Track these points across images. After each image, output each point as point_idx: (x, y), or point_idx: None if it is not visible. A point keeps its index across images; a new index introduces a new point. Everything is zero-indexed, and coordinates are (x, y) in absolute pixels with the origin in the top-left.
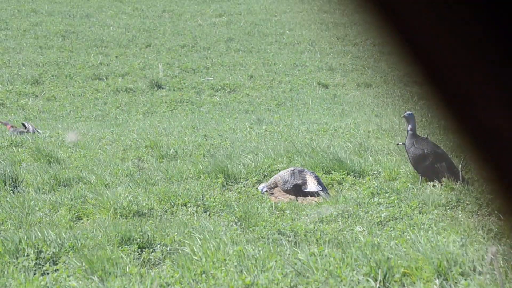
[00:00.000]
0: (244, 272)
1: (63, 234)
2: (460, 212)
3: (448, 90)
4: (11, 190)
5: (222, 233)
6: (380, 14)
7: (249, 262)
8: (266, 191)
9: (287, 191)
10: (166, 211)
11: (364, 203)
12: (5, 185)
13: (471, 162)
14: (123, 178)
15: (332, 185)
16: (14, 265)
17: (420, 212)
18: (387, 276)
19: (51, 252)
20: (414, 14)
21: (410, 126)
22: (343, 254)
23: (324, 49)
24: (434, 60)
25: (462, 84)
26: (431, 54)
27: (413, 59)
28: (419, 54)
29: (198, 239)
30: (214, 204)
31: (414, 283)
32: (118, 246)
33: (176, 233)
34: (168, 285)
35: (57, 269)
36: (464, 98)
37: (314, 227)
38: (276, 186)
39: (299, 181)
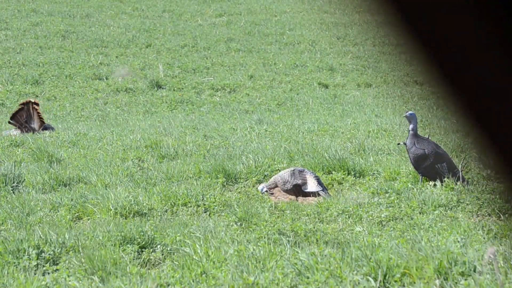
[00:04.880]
0: (245, 272)
1: (66, 234)
2: (460, 212)
3: (457, 87)
4: (11, 190)
5: (222, 233)
6: (391, 13)
7: (250, 262)
8: (266, 191)
9: (287, 191)
10: (166, 211)
11: (364, 203)
12: (5, 185)
13: (472, 161)
14: (123, 178)
15: (332, 185)
16: (15, 265)
17: (420, 212)
18: (387, 276)
19: (52, 252)
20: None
21: (411, 126)
22: (343, 254)
23: (324, 49)
24: (444, 58)
25: (470, 82)
26: (442, 53)
27: (423, 57)
28: (430, 53)
29: (199, 239)
30: (214, 204)
31: (414, 283)
32: (118, 246)
33: (176, 233)
34: (168, 285)
35: (58, 269)
36: (472, 95)
37: (314, 227)
38: (276, 186)
39: (299, 181)
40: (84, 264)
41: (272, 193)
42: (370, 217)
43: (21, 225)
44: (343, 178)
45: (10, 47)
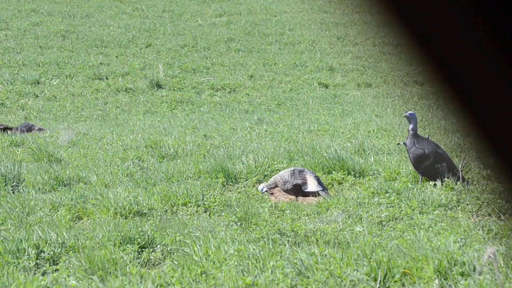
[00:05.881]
0: (245, 272)
1: (64, 234)
2: (460, 212)
3: (458, 88)
4: (11, 190)
5: (222, 233)
6: (391, 13)
7: (249, 262)
8: (266, 191)
9: (287, 191)
10: (166, 211)
11: (364, 203)
12: (5, 185)
13: (472, 161)
14: (123, 178)
15: (332, 185)
16: (15, 265)
17: (420, 212)
18: (387, 276)
19: (51, 252)
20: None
21: (411, 126)
22: (343, 254)
23: (324, 49)
24: (445, 59)
25: (472, 83)
26: (442, 53)
27: (423, 57)
28: (429, 53)
29: (199, 239)
30: (214, 204)
31: (414, 283)
32: (118, 246)
33: (176, 233)
34: (168, 285)
35: (57, 269)
36: (474, 96)
37: (314, 227)
38: (276, 186)
39: (299, 181)
40: (84, 264)
41: (272, 193)
42: (370, 217)
43: (21, 225)
44: (343, 178)
45: (10, 47)
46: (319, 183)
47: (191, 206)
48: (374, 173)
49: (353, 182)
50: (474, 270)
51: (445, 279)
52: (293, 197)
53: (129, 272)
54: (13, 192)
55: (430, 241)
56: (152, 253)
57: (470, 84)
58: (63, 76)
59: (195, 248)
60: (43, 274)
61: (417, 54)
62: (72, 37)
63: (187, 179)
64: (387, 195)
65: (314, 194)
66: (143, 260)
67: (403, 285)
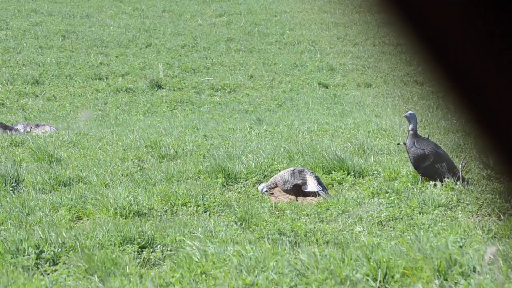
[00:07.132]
0: (244, 272)
1: (64, 234)
2: (460, 212)
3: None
4: (11, 190)
5: (222, 233)
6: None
7: (249, 262)
8: (266, 191)
9: (287, 191)
10: (166, 211)
11: (364, 203)
12: (5, 185)
13: (472, 161)
14: (123, 178)
15: (332, 185)
16: (14, 265)
17: (420, 212)
18: (387, 276)
19: (51, 252)
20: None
21: (411, 126)
22: (343, 254)
23: (324, 49)
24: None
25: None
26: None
27: (429, 56)
28: (436, 52)
29: (199, 239)
30: (214, 204)
31: (414, 283)
32: (118, 246)
33: (176, 233)
34: (168, 285)
35: (57, 269)
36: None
37: (314, 227)
38: (276, 186)
39: (299, 181)
40: (83, 264)
41: (272, 193)
42: (370, 217)
43: (21, 225)
44: (343, 178)
45: (10, 47)
46: (319, 183)
47: (191, 206)
48: (374, 173)
49: (353, 182)
50: (474, 270)
51: (445, 279)
52: (293, 197)
53: (129, 272)
54: (13, 192)
55: (430, 241)
56: (152, 253)
57: (471, 84)
58: (63, 76)
59: (195, 248)
60: (43, 274)
61: (417, 53)
62: (72, 37)
63: (187, 179)
64: (387, 195)
65: (314, 194)
66: (143, 260)
67: (403, 285)
